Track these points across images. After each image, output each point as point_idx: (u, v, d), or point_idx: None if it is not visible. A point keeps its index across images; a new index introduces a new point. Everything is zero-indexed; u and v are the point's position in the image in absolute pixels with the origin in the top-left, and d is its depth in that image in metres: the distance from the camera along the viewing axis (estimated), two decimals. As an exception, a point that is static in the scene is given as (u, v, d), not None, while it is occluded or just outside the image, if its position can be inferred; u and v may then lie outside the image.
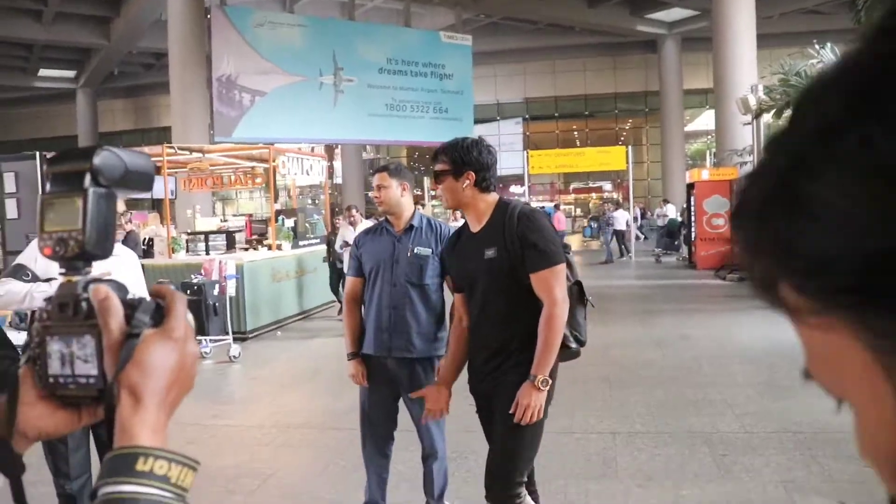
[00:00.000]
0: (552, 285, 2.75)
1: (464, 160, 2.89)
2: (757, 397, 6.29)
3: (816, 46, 12.98)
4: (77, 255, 0.75)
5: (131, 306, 0.75)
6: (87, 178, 0.75)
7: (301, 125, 20.97)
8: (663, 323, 10.42)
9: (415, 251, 3.68)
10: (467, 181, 2.89)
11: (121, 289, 0.77)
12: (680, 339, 9.10)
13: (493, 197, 2.97)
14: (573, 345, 2.98)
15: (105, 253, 0.77)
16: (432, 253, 3.67)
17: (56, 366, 0.75)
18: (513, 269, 2.79)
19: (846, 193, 0.32)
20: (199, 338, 8.76)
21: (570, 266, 3.00)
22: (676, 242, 21.04)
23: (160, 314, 0.75)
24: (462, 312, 3.09)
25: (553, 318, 2.73)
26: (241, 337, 9.79)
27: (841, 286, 0.34)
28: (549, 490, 4.43)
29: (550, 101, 40.21)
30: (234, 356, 8.63)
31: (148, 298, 0.76)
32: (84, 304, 0.75)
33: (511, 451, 2.86)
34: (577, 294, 3.04)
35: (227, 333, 8.90)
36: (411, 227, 3.74)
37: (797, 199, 0.35)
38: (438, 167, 2.94)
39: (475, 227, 2.96)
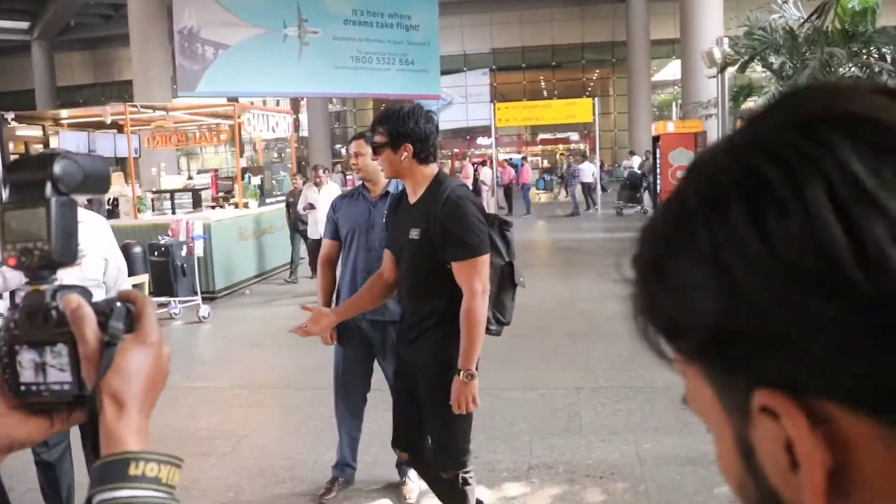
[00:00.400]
0: (471, 277, 2.73)
1: (400, 131, 2.81)
2: (716, 351, 6.47)
3: (779, 1, 13.01)
4: (43, 265, 0.77)
5: (103, 313, 0.77)
6: (48, 188, 0.76)
7: (266, 79, 20.58)
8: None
9: None
10: (405, 153, 2.82)
11: (86, 294, 0.79)
12: (644, 292, 9.27)
13: (432, 169, 2.91)
14: (494, 326, 2.99)
15: (70, 260, 0.78)
16: None
17: (29, 374, 0.77)
18: (433, 254, 2.78)
19: (692, 276, 0.40)
20: (167, 299, 8.80)
21: (507, 243, 3.00)
22: (638, 195, 21.15)
23: (131, 319, 0.78)
24: (387, 268, 3.09)
25: (471, 311, 2.73)
26: (209, 297, 9.80)
27: (686, 347, 0.43)
28: (514, 445, 4.59)
29: (518, 52, 39.93)
30: (203, 317, 8.65)
31: (118, 303, 0.79)
32: (54, 313, 0.77)
33: (449, 430, 2.94)
34: (508, 274, 3.02)
35: (195, 294, 8.90)
36: (387, 193, 3.78)
37: (663, 271, 0.43)
38: (376, 139, 2.88)
39: (412, 198, 2.94)
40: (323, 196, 9.14)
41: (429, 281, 2.85)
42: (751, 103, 19.87)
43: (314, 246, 9.58)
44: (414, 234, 2.81)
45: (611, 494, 3.89)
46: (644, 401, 5.27)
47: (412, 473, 4.01)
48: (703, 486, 3.90)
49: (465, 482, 2.98)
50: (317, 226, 9.10)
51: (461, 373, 2.75)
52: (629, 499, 3.83)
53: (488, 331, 2.94)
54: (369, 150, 3.68)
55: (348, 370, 3.96)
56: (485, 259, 2.77)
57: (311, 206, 9.63)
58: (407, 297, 3.01)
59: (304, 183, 10.96)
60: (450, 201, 2.76)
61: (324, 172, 10.17)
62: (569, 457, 4.36)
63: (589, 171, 21.79)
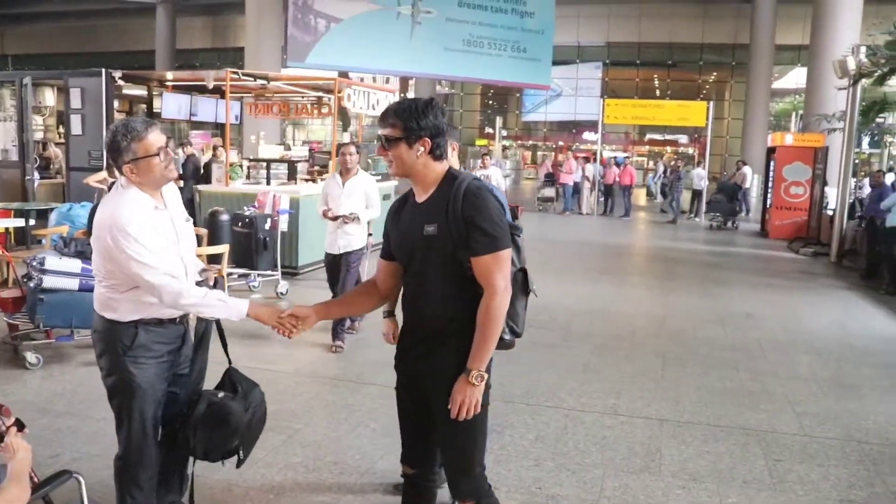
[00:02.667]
0: (493, 272, 2.52)
1: (420, 125, 2.56)
2: (821, 395, 5.86)
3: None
4: None
5: None
6: None
7: (376, 55, 20.53)
8: (728, 296, 9.92)
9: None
10: (422, 148, 2.58)
11: None
12: (744, 316, 8.63)
13: (443, 166, 2.67)
14: (507, 336, 2.73)
15: None
16: None
17: None
18: (453, 250, 2.55)
19: None
20: (247, 271, 8.71)
21: (517, 250, 2.76)
22: (738, 208, 19.98)
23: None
24: (381, 278, 2.89)
25: (492, 308, 2.52)
26: (291, 272, 9.68)
27: None
28: (584, 479, 4.18)
29: (633, 47, 38.79)
30: (281, 293, 8.51)
31: None
32: None
33: (463, 446, 2.70)
34: (521, 282, 2.78)
35: (275, 268, 8.77)
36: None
37: None
38: (388, 132, 2.60)
39: (421, 198, 2.68)
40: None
41: (447, 283, 2.61)
42: (881, 119, 18.58)
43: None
44: (430, 229, 2.57)
45: (686, 557, 3.44)
46: (734, 445, 4.75)
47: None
48: (795, 561, 3.41)
49: None
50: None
51: (471, 373, 2.53)
52: (707, 565, 3.37)
53: (502, 341, 2.67)
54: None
55: None
56: (508, 254, 2.57)
57: None
58: (420, 305, 2.71)
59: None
60: (469, 192, 2.55)
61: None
62: (643, 501, 3.92)
63: (700, 178, 20.81)
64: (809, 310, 9.28)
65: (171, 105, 12.85)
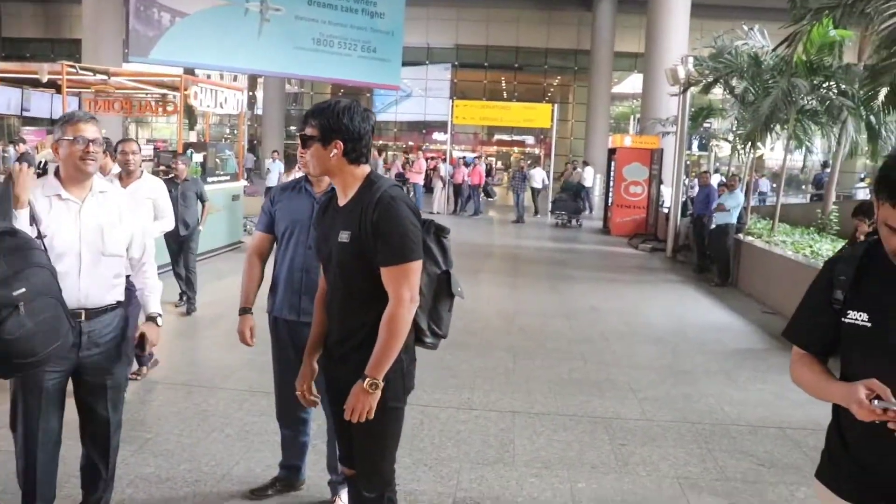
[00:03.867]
0: (400, 284, 2.52)
1: (332, 127, 2.58)
2: (659, 381, 6.25)
3: (745, 27, 12.99)
4: None
5: None
6: None
7: (223, 52, 19.92)
8: (574, 291, 10.38)
9: None
10: (335, 150, 2.59)
11: None
12: (589, 310, 9.06)
13: (363, 170, 2.66)
14: (429, 339, 2.79)
15: None
16: None
17: None
18: (364, 258, 2.55)
19: None
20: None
21: (444, 251, 2.82)
22: (582, 207, 20.82)
23: None
24: (325, 283, 2.86)
25: (394, 318, 2.51)
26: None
27: None
28: (441, 474, 4.26)
29: (481, 50, 39.66)
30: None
31: None
32: None
33: (369, 448, 2.71)
34: (445, 284, 2.81)
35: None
36: (333, 190, 3.47)
37: None
38: (307, 131, 2.63)
39: (341, 200, 2.69)
40: None
41: (358, 289, 2.61)
42: (708, 124, 19.99)
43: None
44: (343, 236, 2.58)
45: (540, 541, 3.59)
46: (583, 432, 4.99)
47: (344, 494, 3.72)
48: (638, 537, 3.63)
49: (391, 501, 2.78)
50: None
51: (366, 380, 2.50)
52: (559, 547, 3.53)
53: (423, 343, 2.77)
54: None
55: (284, 372, 3.69)
56: (416, 266, 2.57)
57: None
58: (335, 309, 2.71)
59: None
60: (382, 202, 2.54)
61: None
62: (498, 492, 4.05)
63: (539, 177, 21.55)
64: (648, 302, 9.86)
65: (0, 100, 11.94)
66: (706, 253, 12.40)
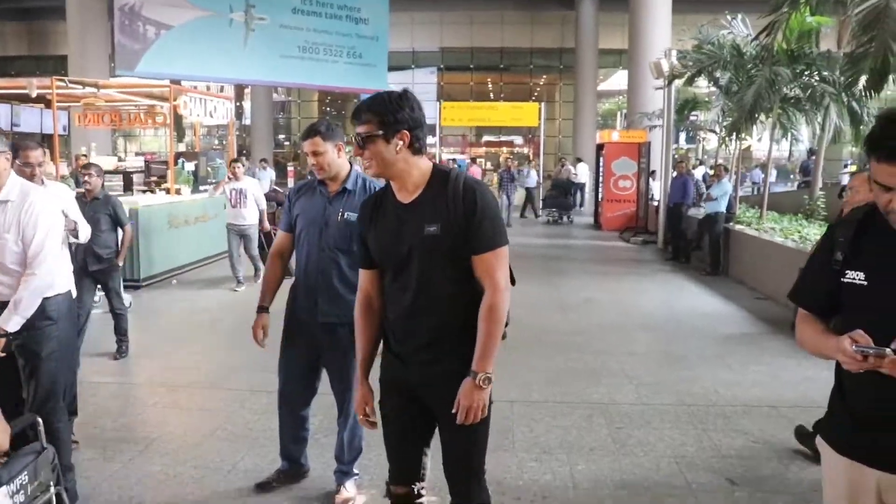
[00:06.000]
0: (495, 269, 2.43)
1: (397, 118, 2.41)
2: (655, 367, 6.36)
3: (728, 17, 13.15)
4: None
5: None
6: None
7: (209, 63, 20.00)
8: (568, 285, 10.48)
9: (344, 216, 3.56)
10: (400, 143, 2.42)
11: None
12: (584, 302, 9.17)
13: (426, 162, 2.53)
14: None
15: None
16: None
17: None
18: (455, 249, 2.43)
19: None
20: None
21: None
22: (571, 201, 20.89)
23: None
24: (371, 292, 2.66)
25: (494, 306, 2.42)
26: (133, 285, 9.34)
27: None
28: (440, 461, 4.33)
29: (466, 53, 39.81)
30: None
31: None
32: None
33: (472, 451, 2.63)
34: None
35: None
36: (344, 189, 3.62)
37: None
38: (363, 129, 2.43)
39: (405, 198, 2.51)
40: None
41: (450, 284, 2.47)
42: (694, 117, 20.16)
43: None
44: (432, 228, 2.42)
45: (542, 520, 3.68)
46: (580, 418, 5.09)
47: (349, 483, 3.88)
48: (638, 514, 3.73)
49: None
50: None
51: (477, 376, 2.41)
52: (561, 526, 3.62)
53: None
54: (328, 145, 3.56)
55: (292, 372, 3.80)
56: (507, 250, 2.49)
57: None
58: (419, 312, 2.51)
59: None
60: (468, 188, 2.44)
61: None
62: (499, 476, 4.12)
63: (534, 178, 21.62)
64: (642, 293, 9.97)
65: (-10, 115, 12.05)
66: (688, 240, 12.66)
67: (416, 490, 2.73)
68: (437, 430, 2.67)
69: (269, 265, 3.82)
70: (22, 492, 2.94)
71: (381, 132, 2.40)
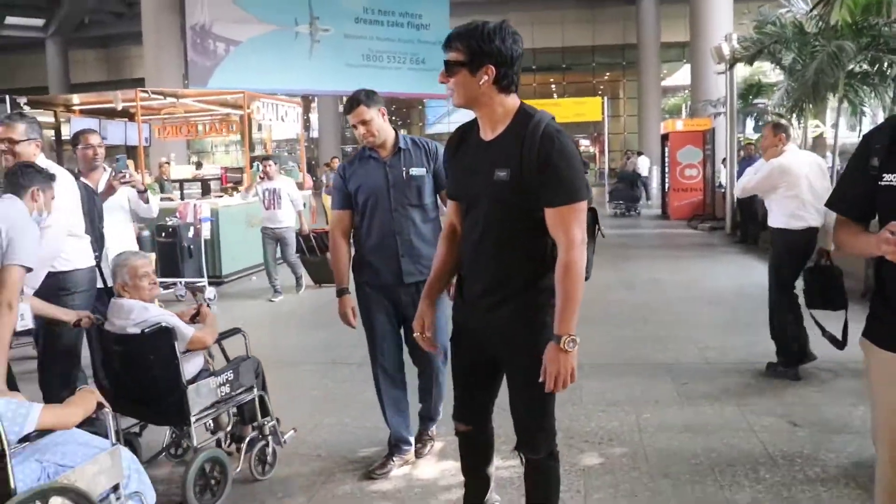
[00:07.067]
0: (571, 224, 2.29)
1: (483, 50, 2.30)
2: (720, 334, 6.48)
3: (789, -2, 13.00)
4: None
5: None
6: None
7: (277, 75, 20.77)
8: (635, 268, 10.58)
9: (410, 172, 3.63)
10: (485, 76, 2.32)
11: None
12: (651, 282, 9.28)
13: (514, 101, 2.40)
14: None
15: None
16: (426, 172, 3.67)
17: None
18: (525, 198, 2.32)
19: None
20: (173, 280, 8.84)
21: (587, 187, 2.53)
22: (639, 194, 20.80)
23: None
24: (456, 221, 2.63)
25: (571, 264, 2.28)
26: (216, 281, 9.84)
27: None
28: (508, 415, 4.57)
29: (528, 54, 39.59)
30: (209, 298, 8.67)
31: None
32: None
33: (541, 405, 2.55)
34: (591, 223, 2.53)
35: (201, 275, 8.93)
36: (399, 149, 3.66)
37: None
38: (451, 56, 2.34)
39: (487, 135, 2.44)
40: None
41: (512, 233, 2.39)
42: (761, 105, 19.88)
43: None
44: (501, 174, 2.33)
45: (608, 458, 3.88)
46: (646, 377, 5.27)
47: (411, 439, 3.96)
48: (701, 451, 3.90)
49: (554, 457, 2.68)
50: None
51: (561, 339, 2.28)
52: (626, 462, 3.81)
53: None
54: (373, 111, 3.55)
55: (381, 340, 3.77)
56: (585, 205, 2.35)
57: None
58: (480, 255, 2.47)
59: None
60: (548, 134, 2.30)
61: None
62: (567, 424, 4.34)
63: (644, 165, 21.36)
64: (708, 272, 10.02)
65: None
66: (759, 221, 12.57)
67: (479, 428, 2.80)
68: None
69: (334, 246, 3.76)
70: (227, 385, 3.62)
71: (465, 62, 2.33)
